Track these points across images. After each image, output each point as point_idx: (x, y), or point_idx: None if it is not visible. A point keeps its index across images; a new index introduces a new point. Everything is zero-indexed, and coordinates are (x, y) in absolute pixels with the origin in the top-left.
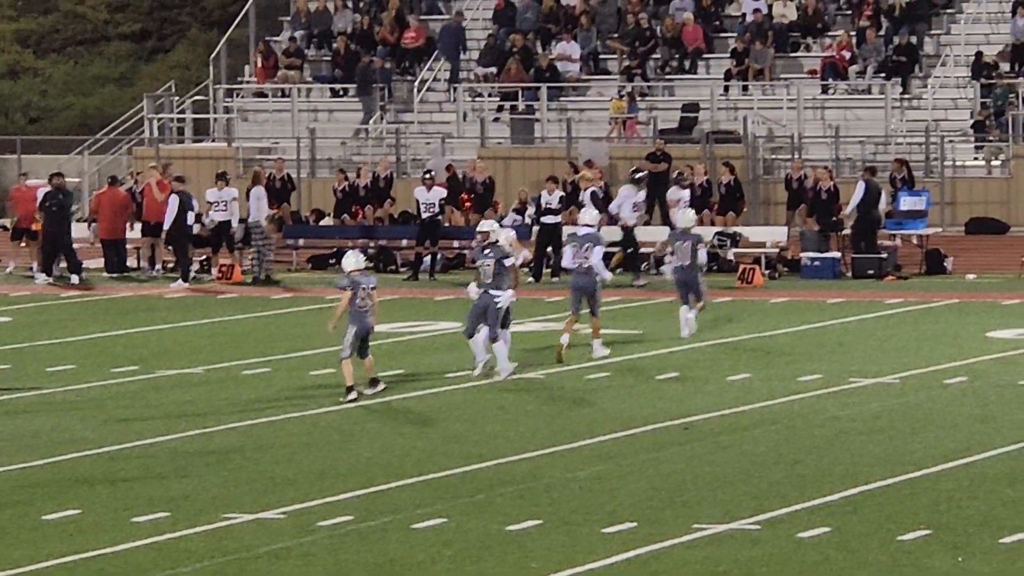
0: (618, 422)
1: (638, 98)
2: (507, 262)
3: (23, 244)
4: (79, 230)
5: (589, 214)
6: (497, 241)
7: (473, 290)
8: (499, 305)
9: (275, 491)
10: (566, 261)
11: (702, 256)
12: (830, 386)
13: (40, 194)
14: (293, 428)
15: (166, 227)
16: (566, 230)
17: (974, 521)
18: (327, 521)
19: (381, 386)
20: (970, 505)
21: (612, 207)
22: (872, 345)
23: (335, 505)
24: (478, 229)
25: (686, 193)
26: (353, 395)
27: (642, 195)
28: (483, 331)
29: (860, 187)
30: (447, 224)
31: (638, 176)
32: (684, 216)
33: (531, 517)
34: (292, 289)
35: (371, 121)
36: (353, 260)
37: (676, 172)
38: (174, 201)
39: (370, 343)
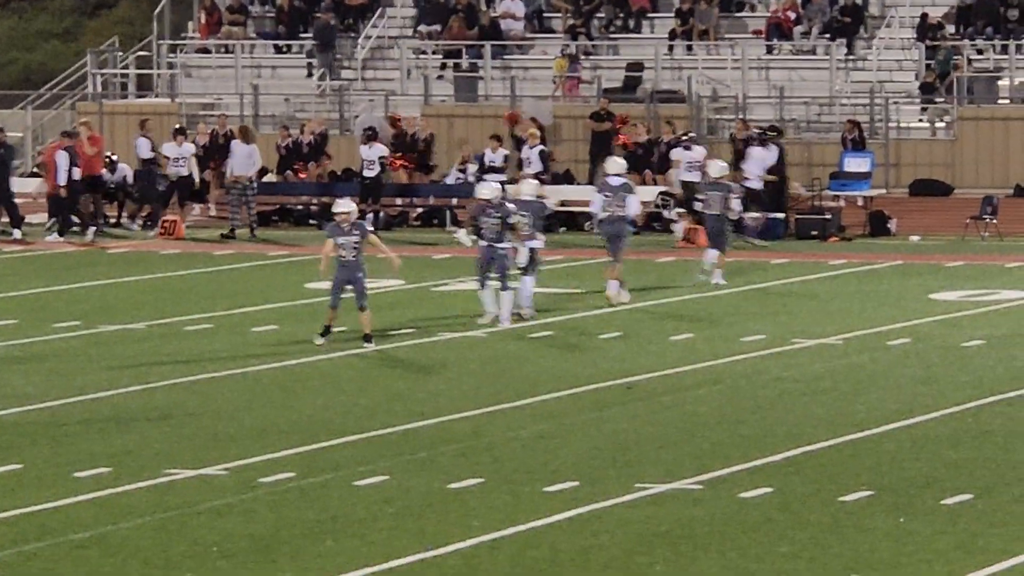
0: (561, 381)
1: (582, 57)
2: (511, 220)
3: None
4: (22, 184)
5: (617, 164)
6: (503, 203)
7: (463, 236)
8: (519, 262)
9: (217, 447)
10: (595, 209)
11: (735, 205)
12: (773, 347)
13: None
14: (235, 385)
15: (60, 183)
16: (509, 188)
17: (916, 482)
18: (269, 478)
19: (372, 344)
20: (912, 466)
21: (746, 169)
22: (815, 306)
23: (277, 462)
24: (479, 196)
25: (688, 154)
26: (320, 340)
27: (773, 155)
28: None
29: (773, 149)
30: (390, 182)
31: (766, 137)
32: (715, 166)
33: (473, 475)
34: (235, 245)
35: (315, 78)
36: (336, 206)
37: (682, 133)
38: (63, 157)
39: (363, 297)
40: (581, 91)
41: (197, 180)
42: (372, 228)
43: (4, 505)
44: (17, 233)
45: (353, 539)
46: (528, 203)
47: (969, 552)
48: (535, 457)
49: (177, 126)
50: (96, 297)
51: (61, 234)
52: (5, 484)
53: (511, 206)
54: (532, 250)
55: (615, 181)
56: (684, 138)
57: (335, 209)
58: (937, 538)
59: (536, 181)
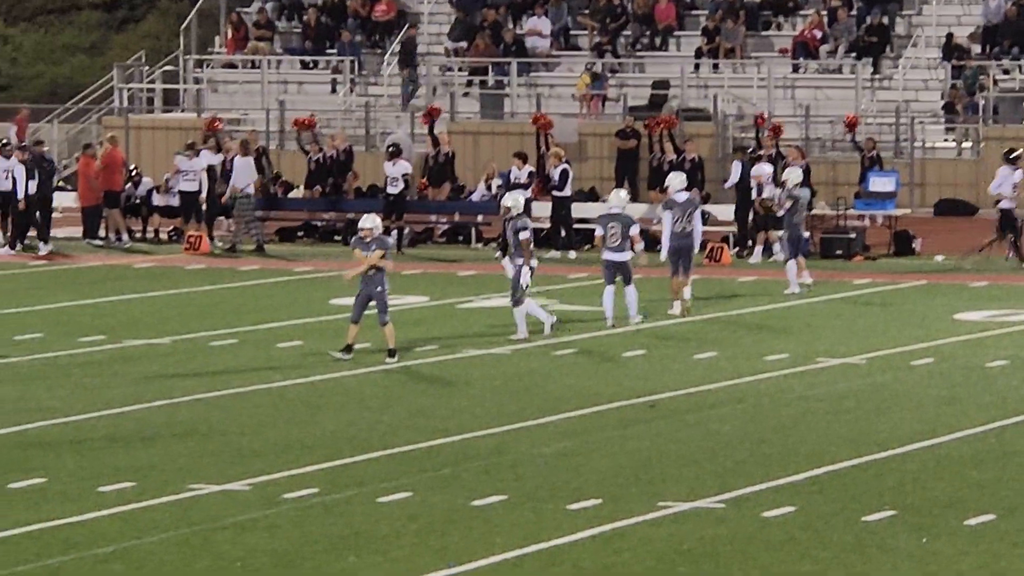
0: (584, 399)
1: (608, 75)
2: (522, 235)
3: None
4: (58, 198)
5: (679, 179)
6: (520, 213)
7: (507, 263)
8: (522, 283)
9: (241, 463)
10: (666, 228)
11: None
12: (797, 365)
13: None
14: (260, 400)
15: (20, 195)
16: (534, 206)
17: (939, 502)
18: (293, 493)
19: (395, 359)
20: (935, 486)
21: (992, 188)
22: (839, 325)
23: (301, 477)
24: (502, 203)
25: (768, 167)
26: (341, 355)
27: (1019, 175)
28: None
29: (736, 167)
30: (415, 198)
31: (1013, 156)
32: (794, 176)
33: (496, 492)
34: (260, 260)
35: (342, 93)
36: (361, 221)
37: (749, 148)
38: (20, 170)
39: (385, 311)
40: (607, 109)
41: (204, 195)
42: (395, 244)
43: (28, 519)
44: (44, 248)
45: (376, 555)
46: (616, 215)
47: (992, 573)
48: (558, 474)
49: (190, 141)
50: (121, 312)
51: (12, 247)
52: (29, 498)
53: (525, 220)
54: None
55: (680, 197)
56: (758, 153)
57: (360, 225)
58: (960, 558)
59: (625, 191)
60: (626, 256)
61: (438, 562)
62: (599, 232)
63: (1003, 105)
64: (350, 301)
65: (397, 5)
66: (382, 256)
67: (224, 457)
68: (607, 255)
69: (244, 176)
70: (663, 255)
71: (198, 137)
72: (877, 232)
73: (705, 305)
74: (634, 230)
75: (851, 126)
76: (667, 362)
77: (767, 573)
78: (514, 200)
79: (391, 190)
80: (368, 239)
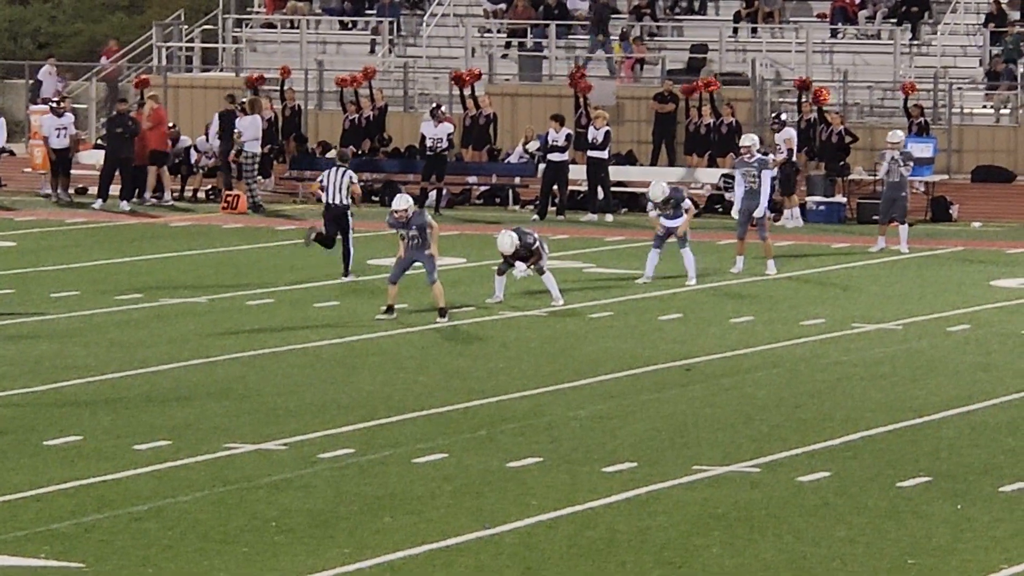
0: (620, 362)
1: (647, 38)
2: (428, 229)
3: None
4: (87, 156)
5: (751, 138)
6: (415, 213)
7: (520, 270)
8: (516, 275)
9: (277, 422)
10: (739, 190)
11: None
12: (833, 331)
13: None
14: (296, 360)
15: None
16: (572, 168)
17: (974, 469)
18: (328, 453)
19: (446, 318)
20: (971, 453)
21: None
22: (876, 291)
23: (336, 438)
24: (395, 207)
25: (792, 132)
26: (385, 315)
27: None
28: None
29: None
30: (455, 159)
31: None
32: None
33: (532, 454)
34: (297, 220)
35: (380, 54)
36: (395, 202)
37: (774, 114)
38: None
39: (433, 270)
40: (645, 72)
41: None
42: (432, 222)
43: (64, 476)
44: (125, 205)
45: (411, 516)
46: (666, 200)
47: None
48: (594, 437)
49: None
50: (158, 270)
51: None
52: (65, 455)
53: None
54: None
55: (753, 157)
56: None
57: (394, 206)
58: (995, 525)
59: (662, 184)
60: (680, 221)
61: (473, 523)
62: (653, 214)
63: None
64: (388, 261)
65: None
66: (424, 235)
67: (260, 416)
68: (663, 221)
69: (250, 134)
70: (735, 212)
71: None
72: (914, 198)
73: (742, 270)
74: (686, 204)
75: (907, 92)
76: (703, 326)
77: (801, 538)
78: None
79: (432, 151)
80: (403, 219)
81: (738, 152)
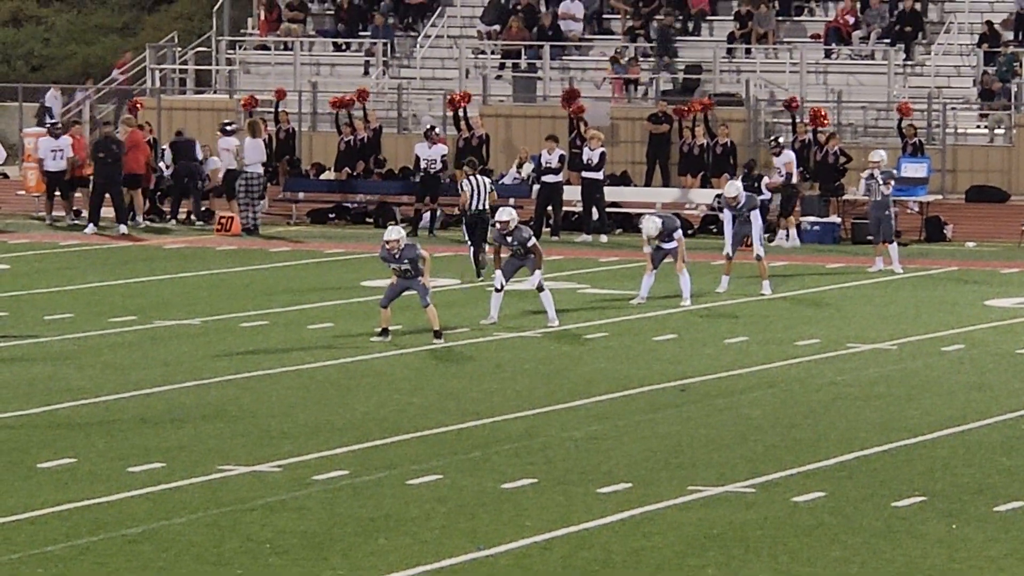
0: (615, 382)
1: (640, 59)
2: (529, 244)
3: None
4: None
5: (736, 187)
6: (517, 227)
7: (499, 278)
8: (531, 283)
9: (271, 444)
10: (727, 224)
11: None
12: (827, 351)
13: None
14: (290, 382)
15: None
16: (567, 189)
17: (969, 489)
18: (322, 475)
19: (442, 340)
20: (965, 473)
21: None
22: (870, 311)
23: (330, 459)
24: (497, 219)
25: (792, 155)
26: (379, 338)
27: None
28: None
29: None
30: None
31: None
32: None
33: (526, 476)
34: (291, 242)
35: (374, 76)
36: (387, 233)
37: (772, 138)
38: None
39: (426, 294)
40: (638, 93)
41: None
42: (424, 254)
43: (57, 498)
44: (123, 228)
45: (405, 537)
46: (659, 235)
47: (1022, 559)
48: (588, 458)
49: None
50: (152, 292)
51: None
52: (59, 478)
53: (526, 231)
54: None
55: (740, 199)
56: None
57: (385, 237)
58: (989, 545)
59: (655, 219)
60: (674, 244)
61: (467, 544)
62: (648, 250)
63: None
64: (382, 283)
65: None
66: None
67: (254, 438)
68: (657, 243)
69: (253, 156)
70: (726, 250)
71: (230, 119)
72: (909, 218)
73: (736, 290)
74: (678, 234)
75: (903, 113)
76: (698, 346)
77: (796, 558)
78: (510, 214)
79: (426, 171)
80: (395, 251)
81: (733, 173)
